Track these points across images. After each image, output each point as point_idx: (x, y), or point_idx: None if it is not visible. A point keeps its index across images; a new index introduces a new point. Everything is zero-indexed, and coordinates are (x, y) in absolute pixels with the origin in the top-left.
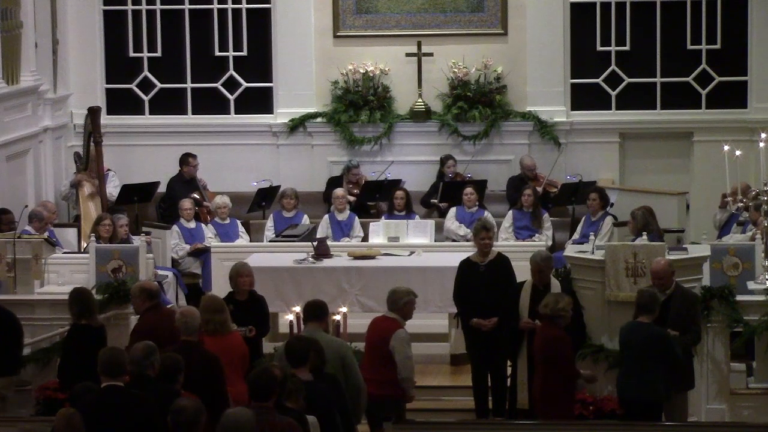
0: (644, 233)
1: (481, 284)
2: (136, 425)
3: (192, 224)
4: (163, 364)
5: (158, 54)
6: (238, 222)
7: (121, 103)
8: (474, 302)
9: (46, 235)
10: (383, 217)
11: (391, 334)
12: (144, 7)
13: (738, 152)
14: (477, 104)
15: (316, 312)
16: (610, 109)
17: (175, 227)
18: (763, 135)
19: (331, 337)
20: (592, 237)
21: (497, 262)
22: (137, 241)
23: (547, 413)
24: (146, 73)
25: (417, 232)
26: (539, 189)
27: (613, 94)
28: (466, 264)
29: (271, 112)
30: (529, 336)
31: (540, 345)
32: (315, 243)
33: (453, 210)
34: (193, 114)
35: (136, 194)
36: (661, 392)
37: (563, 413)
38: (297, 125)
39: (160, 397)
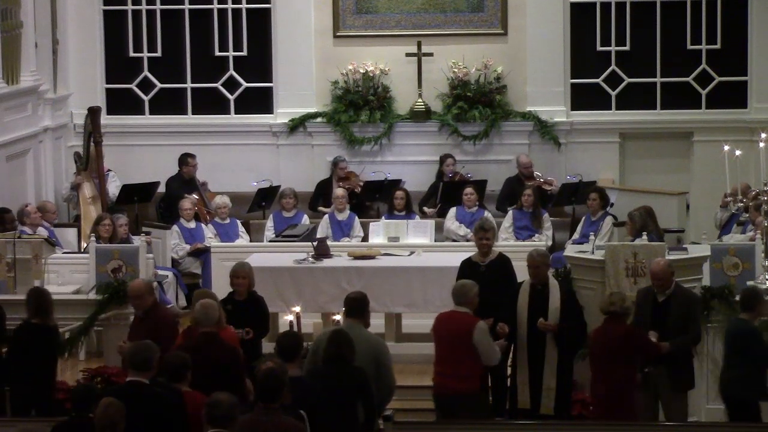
0: (643, 233)
1: (481, 284)
2: (154, 422)
3: (192, 224)
4: (171, 363)
5: (158, 54)
6: (238, 222)
7: (121, 103)
8: None
9: (45, 234)
10: (383, 217)
11: (472, 327)
12: (144, 7)
13: (738, 152)
14: (477, 104)
15: (352, 307)
16: (610, 109)
17: (175, 227)
18: (763, 135)
19: (368, 334)
20: (592, 237)
21: (498, 263)
22: (137, 241)
23: (617, 413)
24: (146, 73)
25: (417, 232)
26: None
27: (613, 94)
28: (467, 264)
29: (271, 112)
30: (529, 336)
31: (609, 342)
32: (315, 243)
33: (453, 210)
34: (193, 114)
35: (136, 194)
36: (754, 390)
37: (632, 412)
38: (297, 125)
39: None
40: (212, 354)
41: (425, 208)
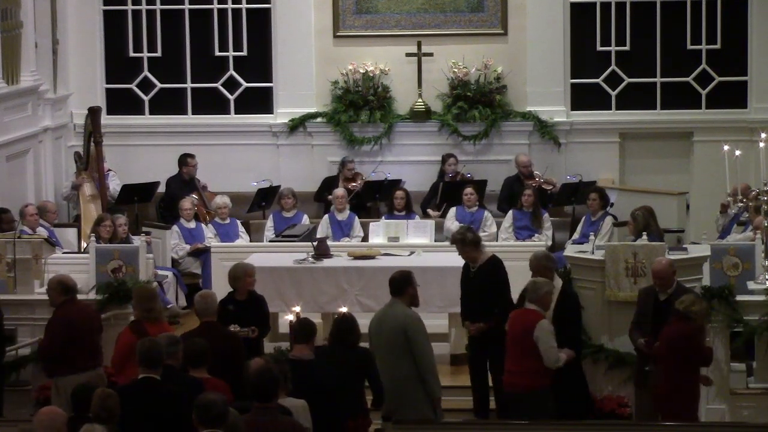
0: (644, 233)
1: (471, 288)
2: (167, 417)
3: (192, 224)
4: (188, 350)
5: (158, 54)
6: (238, 222)
7: (121, 103)
8: (466, 305)
9: (45, 234)
10: (383, 217)
11: (534, 325)
12: (144, 7)
13: (738, 152)
14: (477, 104)
15: (392, 286)
16: (610, 109)
17: (175, 227)
18: (763, 135)
19: (401, 310)
20: (592, 237)
21: (487, 267)
22: (137, 241)
23: (675, 414)
24: (146, 73)
25: (417, 232)
26: (534, 185)
27: (613, 94)
28: (464, 267)
29: (271, 112)
30: None
31: (670, 341)
32: (315, 243)
33: (453, 210)
34: (193, 114)
35: (136, 194)
36: None
37: (692, 413)
38: (297, 125)
39: (184, 387)
40: (213, 344)
41: (429, 210)
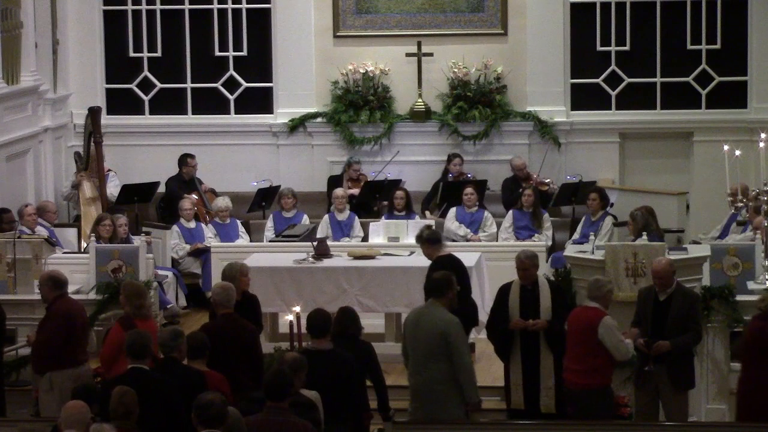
0: (644, 233)
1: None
2: (157, 406)
3: (192, 224)
4: (191, 342)
5: (158, 54)
6: (238, 222)
7: (121, 103)
8: None
9: (45, 234)
10: (383, 217)
11: (597, 322)
12: (144, 7)
13: (738, 152)
14: (477, 104)
15: (432, 287)
16: (610, 109)
17: (175, 227)
18: (763, 135)
19: (441, 313)
20: (592, 237)
21: (435, 264)
22: (137, 241)
23: (757, 413)
24: (146, 73)
25: (417, 232)
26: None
27: (613, 94)
28: None
29: (271, 112)
30: (521, 336)
31: (750, 338)
32: (315, 243)
33: (453, 210)
34: (193, 114)
35: (136, 194)
36: None
37: None
38: (297, 125)
39: (186, 379)
40: (233, 335)
41: (427, 213)
